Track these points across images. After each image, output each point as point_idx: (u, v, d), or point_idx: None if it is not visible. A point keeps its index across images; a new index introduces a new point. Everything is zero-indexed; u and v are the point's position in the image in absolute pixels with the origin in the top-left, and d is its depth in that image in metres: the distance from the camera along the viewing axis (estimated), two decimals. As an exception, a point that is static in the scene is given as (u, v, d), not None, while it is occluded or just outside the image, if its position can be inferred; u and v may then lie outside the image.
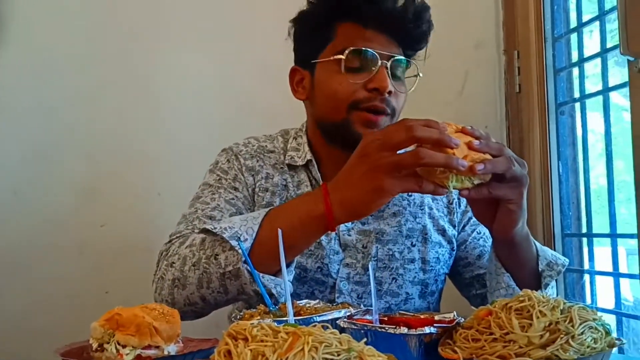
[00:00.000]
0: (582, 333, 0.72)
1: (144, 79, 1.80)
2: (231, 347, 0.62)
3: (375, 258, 1.18)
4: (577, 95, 1.58)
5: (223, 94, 1.81)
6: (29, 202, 1.70)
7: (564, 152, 1.60)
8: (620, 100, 1.46)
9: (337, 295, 1.16)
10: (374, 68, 1.12)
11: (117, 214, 1.75)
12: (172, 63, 1.81)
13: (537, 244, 1.12)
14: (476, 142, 0.90)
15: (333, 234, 1.17)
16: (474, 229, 1.27)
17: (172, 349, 0.82)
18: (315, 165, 1.21)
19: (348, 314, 0.90)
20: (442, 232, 1.24)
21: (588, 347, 0.72)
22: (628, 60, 1.24)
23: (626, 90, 1.30)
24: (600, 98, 1.46)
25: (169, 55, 1.81)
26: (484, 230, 1.27)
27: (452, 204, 1.27)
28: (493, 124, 1.76)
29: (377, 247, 1.18)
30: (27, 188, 1.70)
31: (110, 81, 1.77)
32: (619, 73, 1.44)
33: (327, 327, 0.67)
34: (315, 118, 1.22)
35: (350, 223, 1.18)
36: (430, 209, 1.24)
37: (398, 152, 0.90)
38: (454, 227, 1.26)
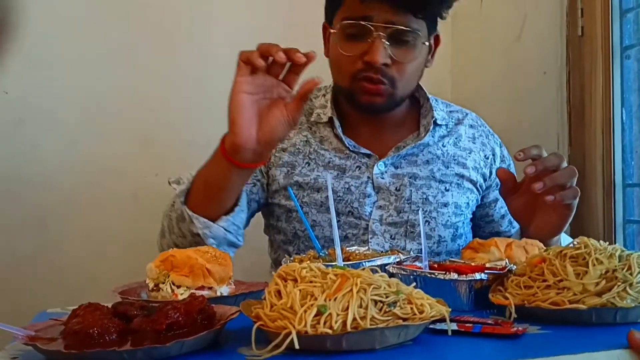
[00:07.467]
0: (641, 281, 0.70)
1: (194, 27, 1.80)
2: (281, 287, 0.63)
3: (409, 201, 1.20)
4: (644, 37, 1.48)
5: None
6: (86, 151, 1.75)
7: (628, 98, 1.52)
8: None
9: (370, 236, 1.18)
10: (369, 40, 1.11)
11: (170, 164, 1.78)
12: (223, 13, 1.80)
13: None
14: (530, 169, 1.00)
15: (365, 177, 1.20)
16: None
17: (224, 290, 0.85)
18: (337, 122, 1.22)
19: (397, 260, 0.90)
20: (474, 182, 1.27)
21: (647, 296, 0.70)
22: None
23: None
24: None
25: (220, 4, 1.80)
26: None
27: (487, 158, 1.30)
28: (552, 71, 1.68)
29: (410, 190, 1.20)
30: (85, 137, 1.75)
31: (161, 29, 1.78)
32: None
33: (376, 272, 0.67)
34: (332, 79, 1.24)
35: (383, 167, 1.21)
36: (465, 159, 1.27)
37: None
38: (485, 180, 1.30)
